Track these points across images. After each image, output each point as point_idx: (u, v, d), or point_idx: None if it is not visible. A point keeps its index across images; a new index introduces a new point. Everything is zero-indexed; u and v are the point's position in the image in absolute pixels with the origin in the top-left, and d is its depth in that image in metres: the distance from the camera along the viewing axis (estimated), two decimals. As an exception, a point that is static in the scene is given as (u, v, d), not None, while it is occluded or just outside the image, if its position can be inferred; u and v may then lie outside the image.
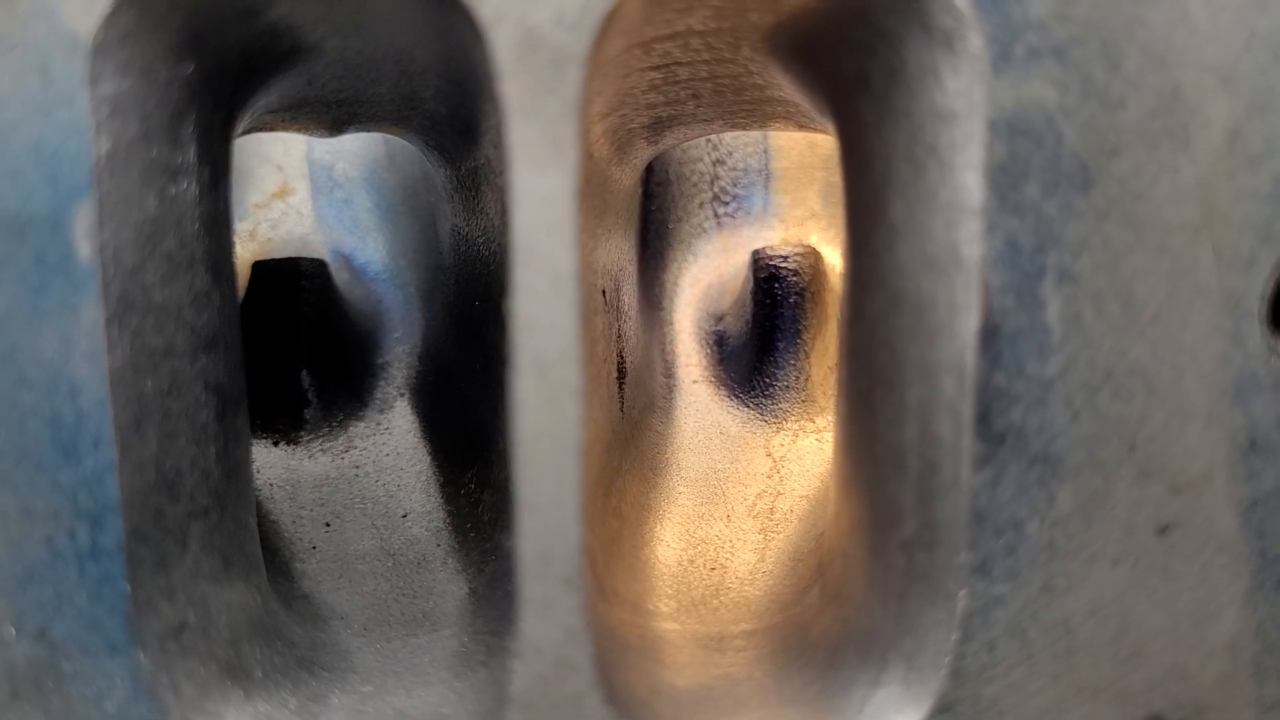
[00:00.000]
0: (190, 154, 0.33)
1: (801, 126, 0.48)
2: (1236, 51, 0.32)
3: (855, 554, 0.38)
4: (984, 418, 0.32)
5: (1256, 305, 0.33)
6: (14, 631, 0.32)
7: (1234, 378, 0.33)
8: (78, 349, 0.31)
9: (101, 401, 0.31)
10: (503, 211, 0.39)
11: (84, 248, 0.30)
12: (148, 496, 0.32)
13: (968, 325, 0.32)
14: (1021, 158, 0.31)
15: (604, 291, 0.50)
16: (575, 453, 0.32)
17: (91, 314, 0.31)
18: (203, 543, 0.34)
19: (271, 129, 0.47)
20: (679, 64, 0.39)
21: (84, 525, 0.32)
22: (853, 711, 0.35)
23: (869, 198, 0.35)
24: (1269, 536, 0.34)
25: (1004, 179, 0.31)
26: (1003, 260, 0.32)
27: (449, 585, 0.47)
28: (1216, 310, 0.33)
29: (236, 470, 0.36)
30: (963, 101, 0.31)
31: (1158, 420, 0.33)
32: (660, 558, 0.50)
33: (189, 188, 0.33)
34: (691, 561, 0.50)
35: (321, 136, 0.50)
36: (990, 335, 0.32)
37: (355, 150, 0.63)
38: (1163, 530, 0.34)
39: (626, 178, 0.52)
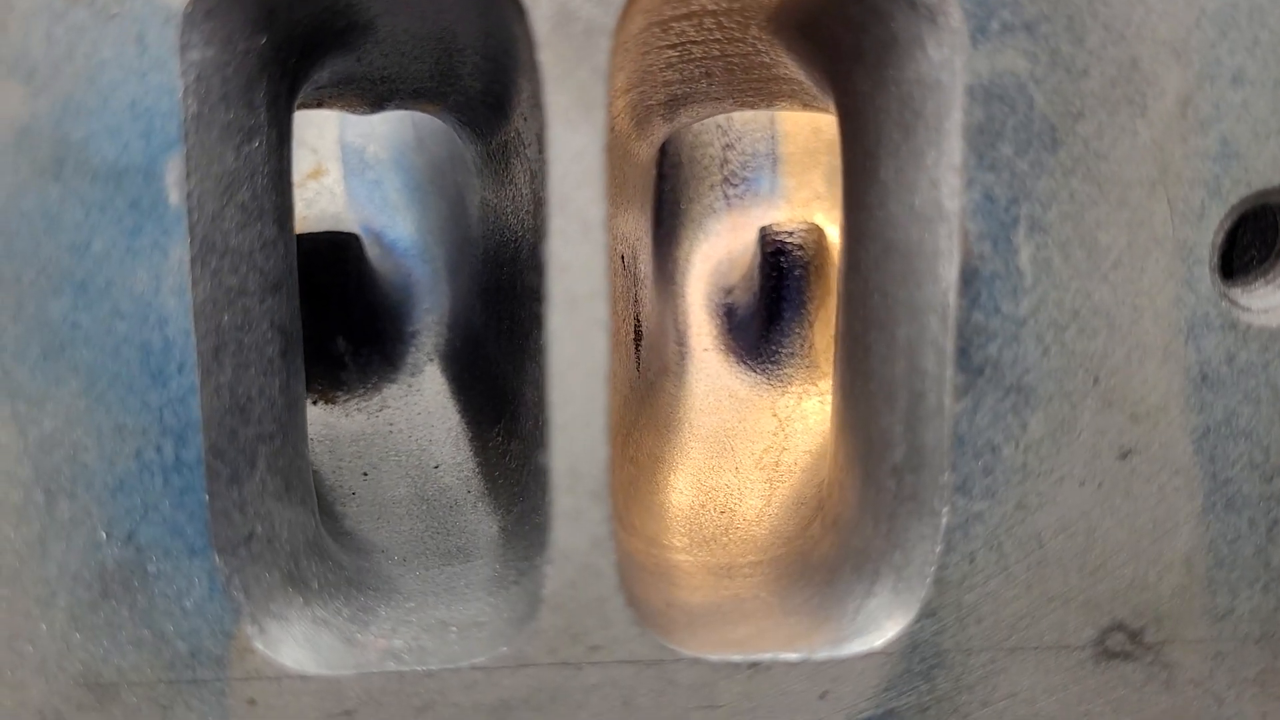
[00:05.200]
0: (261, 117, 0.37)
1: (806, 105, 0.52)
2: (1188, 27, 0.36)
3: (851, 483, 0.42)
4: (964, 352, 0.36)
5: (1207, 254, 0.37)
6: (105, 535, 0.36)
7: (1187, 318, 0.37)
8: (166, 285, 0.35)
9: (186, 331, 0.35)
10: (534, 179, 0.43)
11: (174, 195, 0.34)
12: (223, 418, 0.37)
13: (950, 269, 0.36)
14: (997, 120, 0.35)
15: (623, 257, 0.54)
16: (602, 379, 0.36)
17: (179, 254, 0.35)
18: (268, 464, 0.38)
19: (319, 105, 0.51)
20: (693, 43, 0.43)
21: (169, 441, 0.36)
22: (848, 619, 0.39)
23: (864, 160, 0.39)
24: (1219, 461, 0.38)
25: (981, 139, 0.35)
26: (980, 211, 0.36)
27: (480, 525, 0.51)
28: (1171, 257, 0.37)
29: (295, 403, 0.41)
30: (945, 71, 0.35)
31: (1119, 355, 0.37)
32: (674, 502, 0.54)
33: (260, 146, 0.37)
34: (703, 506, 0.54)
35: (362, 113, 0.54)
36: (969, 278, 0.36)
37: (385, 134, 0.66)
38: (1124, 454, 0.38)
39: (644, 153, 0.56)
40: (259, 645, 0.37)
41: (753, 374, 0.61)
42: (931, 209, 0.36)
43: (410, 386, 0.60)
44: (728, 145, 0.65)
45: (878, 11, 0.36)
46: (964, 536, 0.38)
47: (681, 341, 0.62)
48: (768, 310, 0.60)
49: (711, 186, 0.65)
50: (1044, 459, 0.37)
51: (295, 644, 0.38)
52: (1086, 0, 0.35)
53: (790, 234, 0.61)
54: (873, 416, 0.40)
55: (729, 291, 0.63)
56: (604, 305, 0.35)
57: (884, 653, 0.38)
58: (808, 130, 0.65)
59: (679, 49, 0.44)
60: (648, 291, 0.59)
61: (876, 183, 0.38)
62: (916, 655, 0.39)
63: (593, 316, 0.36)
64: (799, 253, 0.60)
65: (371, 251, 0.63)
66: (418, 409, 0.60)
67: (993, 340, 0.36)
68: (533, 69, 0.35)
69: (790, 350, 0.60)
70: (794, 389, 0.60)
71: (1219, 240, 0.37)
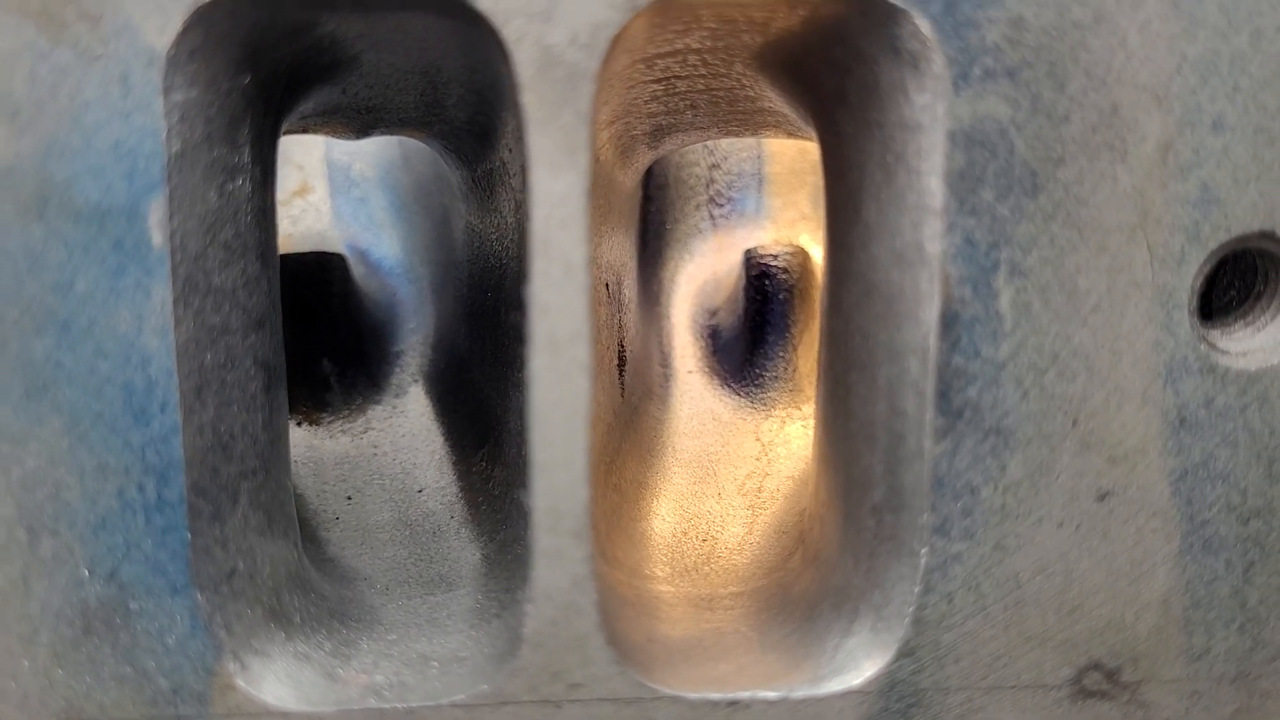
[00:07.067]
0: (245, 155, 0.37)
1: (790, 134, 0.52)
2: (1169, 74, 0.36)
3: (831, 520, 0.42)
4: (944, 394, 0.37)
5: (1186, 298, 0.37)
6: (88, 573, 0.36)
7: (1166, 362, 0.37)
8: (149, 325, 0.35)
9: (169, 371, 0.35)
10: (519, 209, 0.43)
11: (156, 236, 0.34)
12: (206, 456, 0.37)
13: (930, 313, 0.36)
14: (978, 165, 0.36)
15: (607, 285, 0.54)
16: (584, 421, 0.36)
17: (161, 294, 0.35)
18: (251, 500, 0.39)
19: (304, 131, 0.51)
20: (678, 78, 0.44)
21: (151, 480, 0.36)
22: (827, 657, 0.40)
23: (846, 200, 0.40)
24: (1197, 504, 0.38)
25: (962, 184, 0.36)
26: (961, 255, 0.36)
27: (463, 552, 0.51)
28: (1151, 302, 0.37)
29: (279, 438, 0.41)
30: (927, 115, 0.36)
31: (1098, 399, 0.37)
32: (656, 530, 0.54)
33: (244, 184, 0.37)
34: (685, 533, 0.54)
35: (348, 139, 0.54)
36: (950, 321, 0.36)
37: (371, 152, 0.66)
38: (1102, 497, 0.38)
39: (628, 180, 0.56)
40: (240, 682, 0.37)
41: (736, 397, 0.61)
42: (913, 252, 0.36)
43: (395, 408, 0.60)
44: (714, 165, 0.65)
45: (861, 55, 0.37)
46: (943, 577, 0.38)
47: (666, 364, 0.63)
48: (752, 333, 0.60)
49: (697, 207, 0.65)
50: (1022, 501, 0.38)
51: (277, 680, 0.38)
52: (1068, 47, 0.35)
53: (775, 257, 0.61)
54: (853, 456, 0.40)
55: (714, 313, 0.63)
56: (586, 347, 0.36)
57: (862, 691, 0.39)
58: (794, 150, 0.65)
59: (664, 83, 0.44)
60: (632, 315, 0.60)
61: (859, 224, 0.38)
62: (894, 694, 0.39)
63: (574, 358, 0.36)
64: (783, 276, 0.60)
65: (357, 270, 0.63)
66: (402, 431, 0.60)
67: (972, 383, 0.37)
68: (516, 109, 0.35)
69: (774, 374, 0.60)
70: (777, 413, 0.60)
71: (1198, 285, 0.37)
